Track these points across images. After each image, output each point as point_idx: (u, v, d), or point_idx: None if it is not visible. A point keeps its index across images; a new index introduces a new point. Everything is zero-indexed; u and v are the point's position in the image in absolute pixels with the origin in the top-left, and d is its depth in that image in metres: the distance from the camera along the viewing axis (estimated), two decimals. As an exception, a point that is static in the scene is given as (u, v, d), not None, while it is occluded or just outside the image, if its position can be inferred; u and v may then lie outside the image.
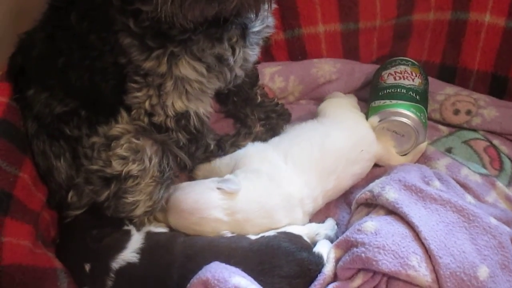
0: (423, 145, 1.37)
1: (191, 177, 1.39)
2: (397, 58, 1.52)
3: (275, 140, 1.36)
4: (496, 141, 1.46)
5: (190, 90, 1.14)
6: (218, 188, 1.21)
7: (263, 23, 1.21)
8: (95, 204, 1.20)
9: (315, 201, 1.26)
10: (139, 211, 1.20)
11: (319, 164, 1.27)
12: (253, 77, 1.46)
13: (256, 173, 1.26)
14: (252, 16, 1.09)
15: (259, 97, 1.51)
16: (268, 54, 1.62)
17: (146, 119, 1.17)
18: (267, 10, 1.03)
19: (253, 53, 1.23)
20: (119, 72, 1.13)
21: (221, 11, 0.98)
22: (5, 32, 1.27)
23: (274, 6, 1.15)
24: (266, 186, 1.24)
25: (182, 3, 0.91)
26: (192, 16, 0.95)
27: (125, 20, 1.06)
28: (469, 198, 1.25)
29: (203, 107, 1.20)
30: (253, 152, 1.32)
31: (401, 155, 1.39)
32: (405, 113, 1.34)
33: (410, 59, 1.51)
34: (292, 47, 1.63)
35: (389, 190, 1.18)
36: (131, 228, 1.21)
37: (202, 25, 1.05)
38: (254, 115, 1.50)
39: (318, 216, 1.30)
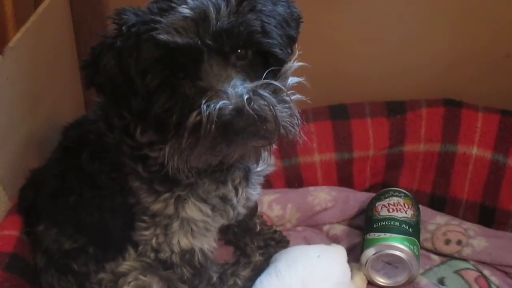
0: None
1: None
2: (390, 189, 1.59)
3: None
4: (486, 272, 1.50)
5: (195, 229, 1.19)
6: None
7: (265, 163, 1.27)
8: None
9: None
10: None
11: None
12: (252, 208, 1.50)
13: None
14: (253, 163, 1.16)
15: (258, 226, 1.56)
16: (266, 181, 1.66)
17: (152, 255, 1.21)
18: (268, 155, 1.08)
19: (255, 192, 1.29)
20: (128, 211, 1.18)
21: (224, 160, 1.03)
22: (16, 165, 1.32)
23: (274, 146, 1.16)
24: None
25: (188, 157, 0.95)
26: (197, 166, 0.99)
27: (134, 165, 1.11)
28: (462, 334, 1.29)
29: (207, 243, 1.24)
30: None
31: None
32: (399, 247, 1.39)
33: (402, 190, 1.58)
34: (289, 175, 1.70)
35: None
36: None
37: (206, 171, 1.11)
38: (253, 243, 1.54)
39: None
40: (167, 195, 1.13)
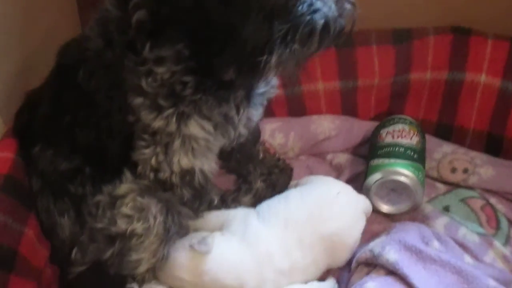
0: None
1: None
2: (395, 116, 1.56)
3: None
4: (492, 200, 1.48)
5: (196, 147, 1.15)
6: (190, 246, 1.23)
7: (268, 85, 1.25)
8: (99, 261, 1.20)
9: (288, 256, 1.25)
10: (142, 268, 1.20)
11: (285, 215, 1.29)
12: (255, 134, 1.48)
13: (232, 235, 1.29)
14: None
15: (261, 153, 1.54)
16: (268, 109, 1.63)
17: (151, 175, 1.18)
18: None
19: (257, 112, 1.26)
20: (125, 130, 1.15)
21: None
22: (12, 88, 1.30)
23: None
24: (239, 249, 1.25)
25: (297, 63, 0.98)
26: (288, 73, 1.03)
27: (137, 80, 1.08)
28: (467, 258, 1.27)
29: (208, 164, 1.21)
30: (238, 215, 1.34)
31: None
32: (404, 172, 1.37)
33: (408, 118, 1.55)
34: (292, 104, 1.66)
35: (389, 251, 1.19)
36: (134, 286, 1.21)
37: (212, 87, 1.09)
38: (256, 171, 1.52)
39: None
40: (170, 110, 1.09)
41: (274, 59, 0.94)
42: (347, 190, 1.36)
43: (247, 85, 1.17)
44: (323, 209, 1.29)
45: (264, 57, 0.94)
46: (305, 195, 1.33)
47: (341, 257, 1.30)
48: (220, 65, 1.02)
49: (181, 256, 1.24)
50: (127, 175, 1.18)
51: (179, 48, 1.04)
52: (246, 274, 1.23)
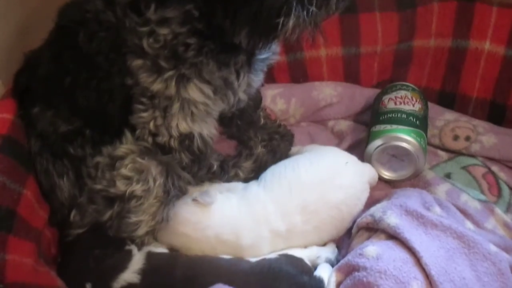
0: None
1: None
2: (397, 83, 1.55)
3: None
4: (494, 168, 1.47)
5: (195, 111, 1.15)
6: (194, 200, 1.23)
7: (269, 51, 1.23)
8: (97, 223, 1.20)
9: (286, 219, 1.24)
10: (141, 231, 1.20)
11: (288, 181, 1.28)
12: (256, 100, 1.47)
13: (233, 193, 1.29)
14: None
15: (262, 119, 1.53)
16: (270, 76, 1.63)
17: (150, 139, 1.17)
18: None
19: (257, 78, 1.25)
20: (125, 93, 1.14)
21: None
22: (11, 50, 1.28)
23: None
24: (237, 205, 1.26)
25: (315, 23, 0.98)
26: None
27: (138, 41, 1.07)
28: (468, 224, 1.26)
29: (207, 129, 1.20)
30: (239, 185, 1.36)
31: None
32: (406, 138, 1.36)
33: (410, 85, 1.54)
34: (294, 70, 1.65)
35: (391, 215, 1.19)
36: (133, 248, 1.20)
37: (213, 50, 1.09)
38: (257, 137, 1.51)
39: (319, 239, 1.30)
40: (170, 73, 1.09)
41: (291, 21, 0.93)
42: (354, 160, 1.35)
43: (253, 49, 1.15)
44: (334, 177, 1.28)
45: (281, 19, 0.93)
46: (315, 162, 1.32)
47: (345, 227, 1.29)
48: (233, 27, 1.00)
49: (184, 212, 1.24)
50: (128, 135, 1.18)
51: (188, 8, 1.03)
52: (242, 230, 1.23)
